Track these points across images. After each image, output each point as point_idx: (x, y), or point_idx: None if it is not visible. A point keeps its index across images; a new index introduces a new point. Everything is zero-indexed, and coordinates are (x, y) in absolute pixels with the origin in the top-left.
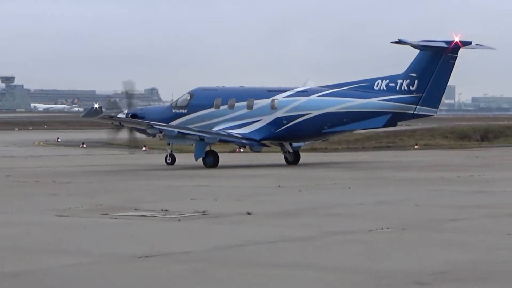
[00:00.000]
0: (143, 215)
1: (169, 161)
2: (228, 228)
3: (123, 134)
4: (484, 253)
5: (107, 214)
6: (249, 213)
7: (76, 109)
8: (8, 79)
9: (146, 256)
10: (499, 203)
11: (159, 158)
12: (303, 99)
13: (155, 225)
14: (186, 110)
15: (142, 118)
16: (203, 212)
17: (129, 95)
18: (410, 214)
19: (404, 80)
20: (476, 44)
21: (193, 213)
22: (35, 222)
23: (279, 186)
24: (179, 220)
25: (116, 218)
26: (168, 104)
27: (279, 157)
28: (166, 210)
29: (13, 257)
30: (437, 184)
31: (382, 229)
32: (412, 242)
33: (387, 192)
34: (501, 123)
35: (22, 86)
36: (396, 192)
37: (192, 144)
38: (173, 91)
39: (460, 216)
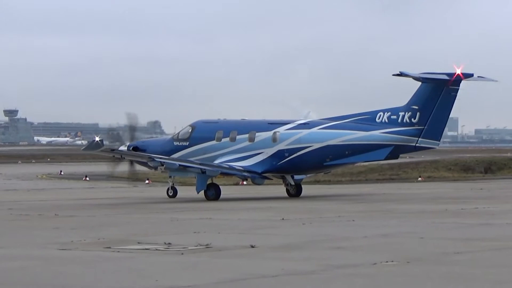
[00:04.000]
0: (146, 249)
1: (171, 194)
2: (232, 261)
3: (124, 167)
4: (489, 286)
5: (109, 248)
6: (252, 246)
7: (80, 142)
8: (11, 113)
9: None
10: (504, 235)
11: (162, 191)
12: (304, 131)
13: (158, 259)
14: (187, 143)
15: (144, 150)
16: (206, 245)
17: (132, 128)
18: (415, 247)
19: (406, 113)
20: (478, 76)
21: (196, 246)
22: (36, 256)
23: (283, 219)
24: (182, 254)
25: (118, 252)
26: (169, 136)
27: (281, 190)
28: (169, 244)
29: None
30: (441, 217)
31: (387, 262)
32: (417, 275)
33: (391, 225)
34: (504, 155)
35: (25, 119)
36: (400, 224)
37: (194, 177)
38: (175, 124)
39: (464, 249)
